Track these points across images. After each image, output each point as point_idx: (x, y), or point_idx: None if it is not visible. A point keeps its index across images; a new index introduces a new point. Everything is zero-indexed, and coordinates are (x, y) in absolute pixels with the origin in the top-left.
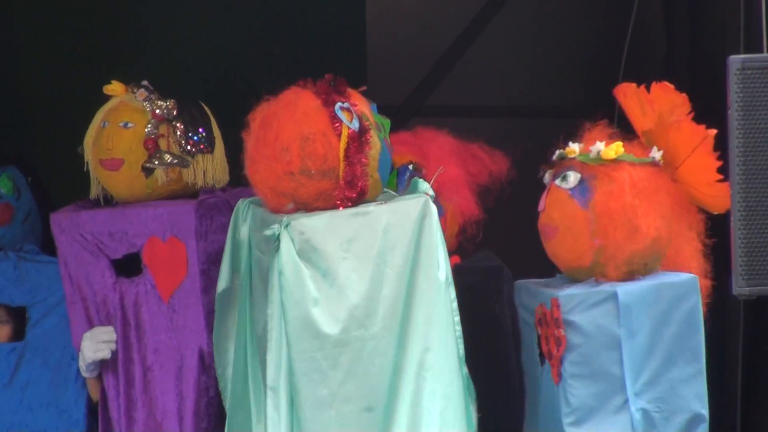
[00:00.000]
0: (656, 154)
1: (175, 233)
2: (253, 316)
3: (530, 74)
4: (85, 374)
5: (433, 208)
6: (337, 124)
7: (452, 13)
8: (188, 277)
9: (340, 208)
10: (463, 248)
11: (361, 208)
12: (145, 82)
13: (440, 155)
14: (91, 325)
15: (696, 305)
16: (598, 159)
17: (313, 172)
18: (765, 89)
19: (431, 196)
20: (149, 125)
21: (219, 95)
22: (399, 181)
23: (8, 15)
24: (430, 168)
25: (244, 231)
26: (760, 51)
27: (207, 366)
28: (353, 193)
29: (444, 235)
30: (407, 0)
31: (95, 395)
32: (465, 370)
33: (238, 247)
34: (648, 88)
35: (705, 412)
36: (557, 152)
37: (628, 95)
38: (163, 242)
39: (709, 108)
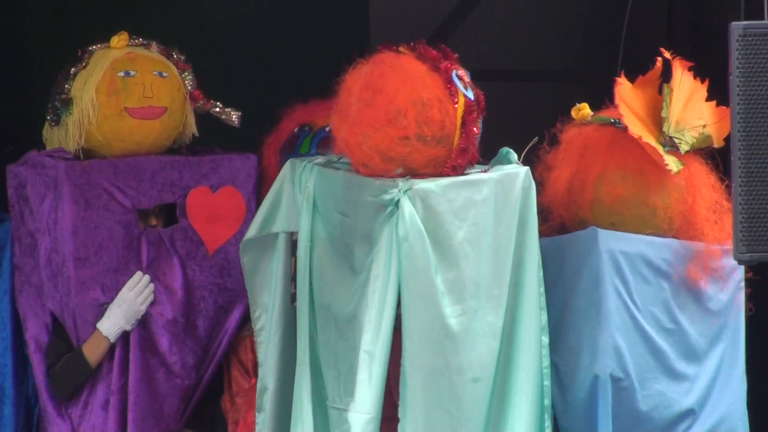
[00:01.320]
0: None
1: (233, 184)
2: (320, 277)
3: (531, 40)
4: (113, 339)
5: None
6: (453, 91)
7: None
8: (244, 229)
9: (451, 176)
10: None
11: (472, 176)
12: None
13: None
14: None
15: (598, 257)
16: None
17: (428, 137)
18: (766, 56)
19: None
20: (188, 75)
21: (218, 81)
22: (312, 144)
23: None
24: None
25: (307, 191)
26: (761, 18)
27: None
28: (465, 161)
29: None
30: None
31: (98, 362)
32: (545, 339)
33: (281, 205)
34: (623, 69)
35: (603, 372)
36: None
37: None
38: (213, 192)
39: (710, 74)
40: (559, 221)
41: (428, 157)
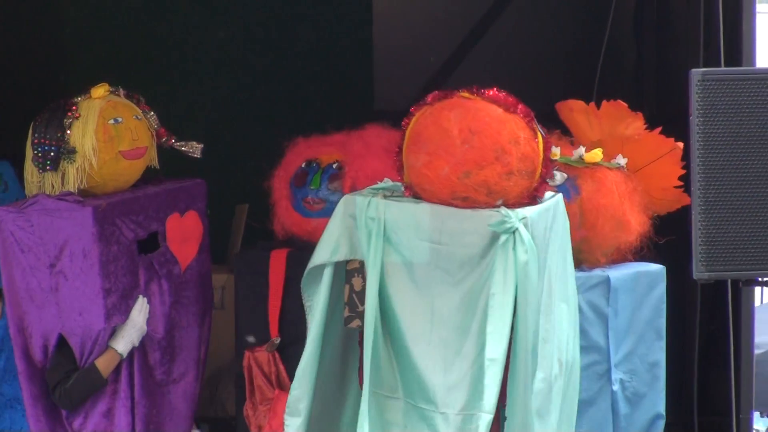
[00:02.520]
0: (621, 161)
1: (193, 208)
2: (393, 297)
3: (515, 83)
4: (126, 354)
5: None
6: (534, 129)
7: (448, 26)
8: (202, 248)
9: (534, 204)
10: None
11: (548, 202)
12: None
13: (362, 152)
14: (122, 306)
15: (663, 292)
16: (580, 162)
17: (524, 172)
18: (722, 98)
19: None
20: (152, 115)
21: (224, 97)
22: (322, 179)
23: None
24: (351, 164)
25: (377, 223)
26: (718, 65)
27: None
28: (544, 191)
29: None
30: (411, 10)
31: (108, 372)
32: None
33: (345, 236)
34: (598, 105)
35: (663, 381)
36: None
37: (575, 110)
38: (181, 217)
39: (673, 113)
40: None
41: (521, 189)
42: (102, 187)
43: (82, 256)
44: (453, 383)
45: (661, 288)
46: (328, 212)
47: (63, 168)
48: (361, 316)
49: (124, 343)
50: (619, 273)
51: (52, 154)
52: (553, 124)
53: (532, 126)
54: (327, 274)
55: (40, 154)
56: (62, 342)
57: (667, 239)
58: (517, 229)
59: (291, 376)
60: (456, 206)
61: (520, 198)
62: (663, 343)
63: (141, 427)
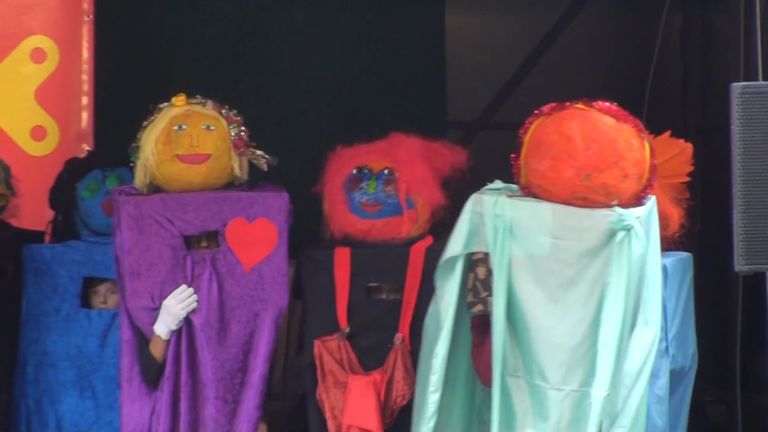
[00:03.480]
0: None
1: (266, 216)
2: (518, 287)
3: (573, 95)
4: (165, 337)
5: None
6: (642, 137)
7: (515, 44)
8: (275, 252)
9: (642, 205)
10: (434, 230)
11: (649, 204)
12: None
13: (408, 158)
14: (157, 295)
15: (692, 276)
16: None
17: (637, 176)
18: (760, 110)
19: None
20: (235, 128)
21: (302, 110)
22: (377, 184)
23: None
24: (402, 170)
25: (503, 219)
26: (756, 79)
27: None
28: (649, 193)
29: (419, 222)
30: (481, 25)
31: (162, 356)
32: None
33: (475, 230)
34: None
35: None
36: None
37: None
38: (249, 222)
39: (716, 123)
40: None
41: (633, 191)
42: (167, 186)
43: (122, 241)
44: (570, 364)
45: (691, 273)
46: (384, 213)
47: (136, 164)
48: (483, 301)
49: (161, 326)
50: (668, 261)
51: (131, 151)
52: None
53: (640, 134)
54: (459, 265)
55: (130, 151)
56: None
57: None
58: (633, 227)
59: (361, 362)
60: (576, 205)
61: (630, 200)
62: (693, 322)
63: (187, 407)
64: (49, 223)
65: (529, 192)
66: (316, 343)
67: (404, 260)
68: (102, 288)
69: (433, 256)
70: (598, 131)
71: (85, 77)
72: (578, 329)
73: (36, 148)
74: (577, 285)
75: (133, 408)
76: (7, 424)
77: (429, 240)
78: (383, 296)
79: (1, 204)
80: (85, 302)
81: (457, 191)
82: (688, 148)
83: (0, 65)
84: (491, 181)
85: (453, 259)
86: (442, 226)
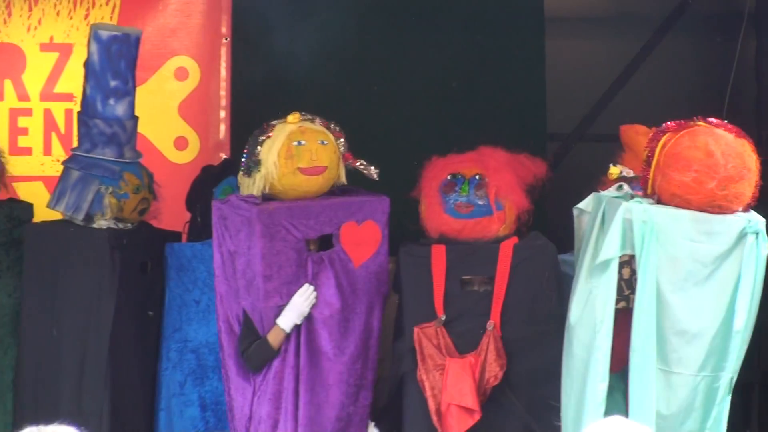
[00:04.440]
0: None
1: (372, 219)
2: (661, 285)
3: (657, 115)
4: (288, 330)
5: None
6: (754, 151)
7: (606, 66)
8: (380, 249)
9: (749, 210)
10: (520, 231)
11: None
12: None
13: (497, 166)
14: (284, 292)
15: None
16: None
17: (754, 185)
18: None
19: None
20: (341, 142)
21: (408, 123)
22: (470, 188)
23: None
24: (491, 176)
25: (648, 225)
26: None
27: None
28: (757, 196)
29: (506, 223)
30: (576, 49)
31: (279, 346)
32: None
33: (624, 233)
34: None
35: None
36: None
37: (640, 133)
38: (358, 225)
39: None
40: None
41: (751, 197)
42: (284, 195)
43: (250, 246)
44: (708, 352)
45: None
46: (475, 214)
47: (253, 176)
48: (626, 299)
49: (286, 320)
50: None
51: (248, 163)
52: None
53: (753, 147)
54: (613, 266)
55: (242, 162)
56: (247, 316)
57: None
58: (761, 230)
59: (456, 346)
60: (710, 212)
61: (745, 205)
62: None
63: (306, 391)
64: (186, 224)
65: (661, 200)
66: (416, 330)
67: (494, 255)
68: None
69: (520, 252)
70: (731, 147)
71: (222, 93)
72: (714, 322)
73: (178, 157)
74: (712, 282)
75: (245, 393)
76: (153, 402)
77: (515, 239)
78: (475, 288)
79: (144, 207)
80: None
81: (542, 197)
82: None
83: (147, 82)
84: (584, 187)
85: (607, 262)
86: (525, 228)
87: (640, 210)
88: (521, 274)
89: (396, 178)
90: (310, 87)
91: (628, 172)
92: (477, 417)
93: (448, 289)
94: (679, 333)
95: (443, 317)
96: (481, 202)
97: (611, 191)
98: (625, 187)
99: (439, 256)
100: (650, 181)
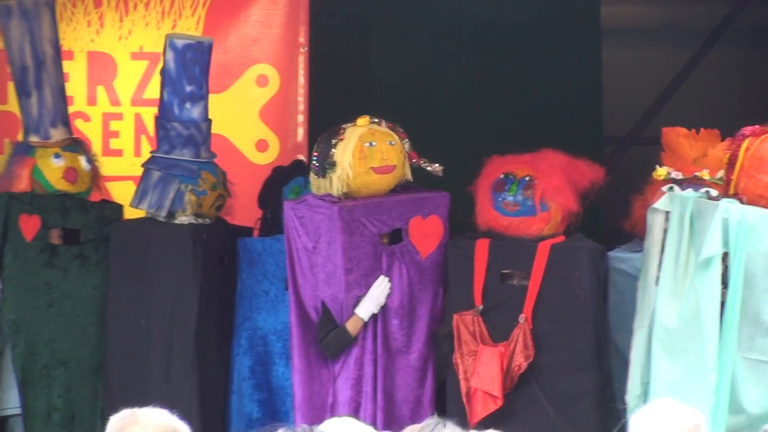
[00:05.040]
0: (719, 173)
1: (435, 213)
2: (748, 280)
3: (709, 116)
4: (366, 319)
5: None
6: None
7: (658, 74)
8: (442, 242)
9: None
10: (568, 231)
11: None
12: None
13: (548, 169)
14: (363, 283)
15: None
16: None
17: None
18: None
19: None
20: (405, 142)
21: (464, 128)
22: (518, 188)
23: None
24: (540, 178)
25: (738, 224)
26: None
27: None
28: None
29: (551, 223)
30: (631, 58)
31: (357, 334)
32: None
33: (723, 232)
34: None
35: None
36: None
37: (681, 134)
38: (424, 219)
39: None
40: None
41: None
42: (357, 193)
43: (331, 242)
44: None
45: None
46: (520, 213)
47: (329, 176)
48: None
49: (364, 310)
50: None
51: (322, 165)
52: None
53: None
54: (717, 263)
55: (315, 164)
56: (326, 306)
57: None
58: None
59: (490, 335)
60: None
61: None
62: None
63: (382, 375)
64: (258, 220)
65: (744, 201)
66: (455, 316)
67: (532, 253)
68: None
69: (556, 252)
70: None
71: (300, 99)
72: None
73: (259, 158)
74: None
75: (321, 380)
76: (227, 384)
77: (559, 239)
78: (514, 282)
79: (221, 203)
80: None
81: (597, 198)
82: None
83: (230, 89)
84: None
85: (711, 258)
86: (572, 229)
87: (736, 210)
88: (555, 273)
89: (455, 176)
90: (378, 92)
91: (678, 174)
92: (499, 404)
93: (488, 281)
94: (765, 324)
95: (480, 307)
96: (527, 202)
97: (689, 192)
98: (676, 188)
99: (482, 249)
100: (733, 183)
